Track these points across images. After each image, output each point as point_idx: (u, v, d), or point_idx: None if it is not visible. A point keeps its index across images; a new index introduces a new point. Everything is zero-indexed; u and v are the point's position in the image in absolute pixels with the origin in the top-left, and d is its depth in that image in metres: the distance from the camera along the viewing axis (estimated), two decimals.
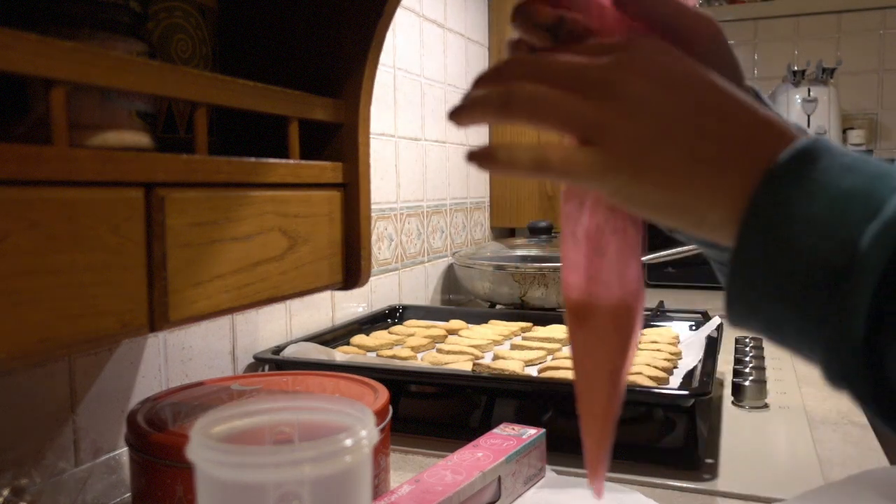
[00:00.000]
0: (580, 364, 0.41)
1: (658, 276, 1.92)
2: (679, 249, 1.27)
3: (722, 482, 0.72)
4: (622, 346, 0.40)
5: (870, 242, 0.28)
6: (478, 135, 1.74)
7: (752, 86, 0.46)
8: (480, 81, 0.38)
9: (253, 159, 0.53)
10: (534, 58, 0.37)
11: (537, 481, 0.71)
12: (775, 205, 0.31)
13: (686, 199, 0.33)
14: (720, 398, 0.97)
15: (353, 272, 0.65)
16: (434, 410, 0.93)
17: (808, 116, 2.27)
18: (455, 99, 1.63)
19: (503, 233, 1.90)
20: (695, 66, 0.35)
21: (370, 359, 0.98)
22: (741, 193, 0.32)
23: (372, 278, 1.22)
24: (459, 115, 0.38)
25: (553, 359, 0.96)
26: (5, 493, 0.53)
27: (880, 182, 0.30)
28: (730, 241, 0.32)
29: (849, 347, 0.29)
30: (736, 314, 0.33)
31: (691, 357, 0.95)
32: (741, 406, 0.94)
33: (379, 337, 1.09)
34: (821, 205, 0.30)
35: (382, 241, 1.31)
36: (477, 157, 0.37)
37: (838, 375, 0.30)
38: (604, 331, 0.39)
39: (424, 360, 0.97)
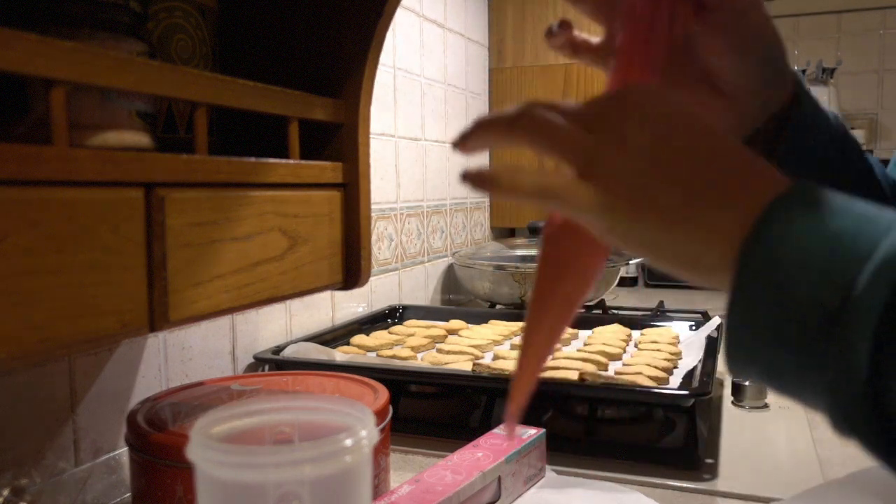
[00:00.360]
0: (541, 289, 0.41)
1: (658, 276, 1.92)
2: None
3: (722, 482, 0.72)
4: (583, 281, 0.40)
5: (866, 283, 0.28)
6: None
7: (793, 69, 0.47)
8: (488, 120, 0.39)
9: (253, 159, 0.53)
10: (543, 99, 0.38)
11: (537, 481, 0.71)
12: (767, 249, 0.31)
13: (681, 240, 0.34)
14: (720, 398, 0.97)
15: (353, 272, 0.65)
16: (434, 410, 0.93)
17: None
18: (455, 99, 1.63)
19: (503, 233, 1.90)
20: (692, 112, 0.36)
21: (370, 359, 0.98)
22: (733, 237, 0.32)
23: (372, 278, 1.22)
24: (465, 140, 0.39)
25: (553, 358, 0.96)
26: (5, 493, 0.53)
27: (870, 224, 0.30)
28: (725, 286, 0.33)
29: (851, 391, 0.28)
30: (735, 361, 0.33)
31: (691, 357, 0.95)
32: (741, 406, 0.94)
33: (379, 337, 1.09)
34: (813, 248, 0.30)
35: (382, 241, 1.31)
36: (477, 179, 0.37)
37: (843, 421, 0.29)
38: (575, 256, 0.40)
39: (424, 360, 0.97)
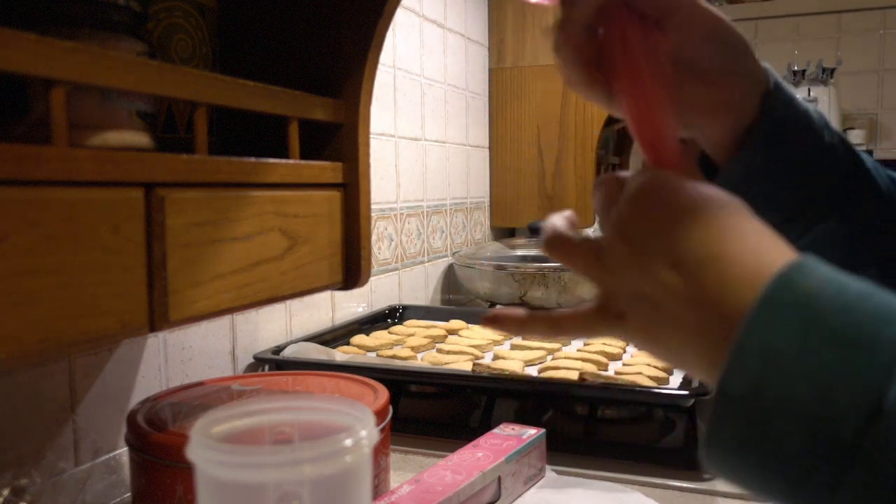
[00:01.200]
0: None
1: None
2: None
3: (722, 482, 0.72)
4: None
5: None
6: (477, 135, 1.74)
7: (766, 66, 0.47)
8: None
9: (253, 159, 0.53)
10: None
11: (537, 481, 0.71)
12: (756, 385, 0.28)
13: (687, 365, 0.35)
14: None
15: (353, 272, 0.65)
16: (434, 410, 0.93)
17: None
18: (455, 99, 1.63)
19: (503, 233, 1.90)
20: (673, 223, 0.35)
21: (370, 359, 0.98)
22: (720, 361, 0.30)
23: (372, 278, 1.22)
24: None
25: (553, 358, 0.96)
26: (5, 493, 0.53)
27: (887, 327, 0.27)
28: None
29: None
30: (715, 464, 0.31)
31: None
32: None
33: (379, 337, 1.09)
34: (815, 368, 0.27)
35: (382, 241, 1.31)
36: (494, 321, 0.42)
37: None
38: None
39: (424, 360, 0.97)
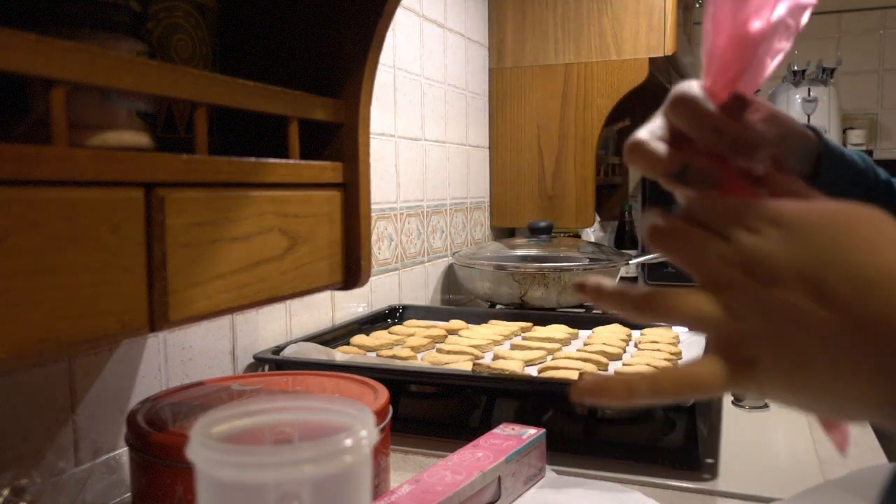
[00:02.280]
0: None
1: (658, 275, 1.92)
2: None
3: (722, 482, 0.72)
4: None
5: None
6: (477, 135, 1.74)
7: (813, 126, 0.50)
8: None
9: (253, 159, 0.53)
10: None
11: (537, 481, 0.71)
12: None
13: (846, 406, 0.32)
14: (720, 398, 0.97)
15: (353, 272, 0.65)
16: (434, 410, 0.93)
17: (808, 116, 2.27)
18: (455, 99, 1.63)
19: (503, 233, 1.90)
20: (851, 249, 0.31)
21: (370, 359, 0.98)
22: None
23: (372, 278, 1.22)
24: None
25: (553, 358, 0.96)
26: (5, 493, 0.53)
27: None
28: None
29: None
30: None
31: (691, 357, 0.95)
32: (741, 406, 0.94)
33: (379, 337, 1.09)
34: None
35: (382, 241, 1.31)
36: (588, 391, 0.36)
37: None
38: None
39: (424, 360, 0.97)
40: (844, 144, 2.48)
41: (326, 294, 1.14)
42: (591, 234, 1.91)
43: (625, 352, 1.01)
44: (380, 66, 0.80)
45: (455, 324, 1.18)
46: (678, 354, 0.98)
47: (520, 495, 0.68)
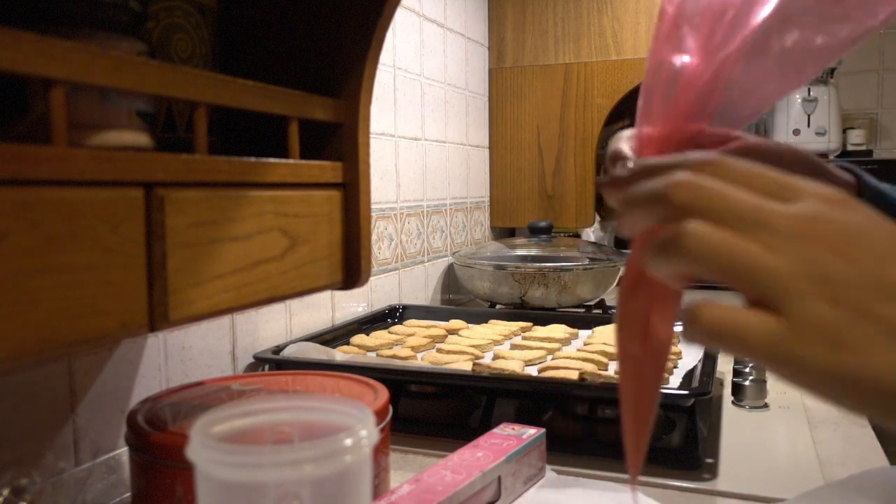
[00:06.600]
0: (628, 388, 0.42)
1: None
2: None
3: (722, 482, 0.72)
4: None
5: None
6: (477, 135, 1.74)
7: (849, 167, 0.49)
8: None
9: (253, 159, 0.53)
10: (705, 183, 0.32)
11: (537, 481, 0.71)
12: None
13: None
14: (720, 398, 0.97)
15: (352, 272, 0.65)
16: (434, 410, 0.93)
17: (809, 116, 2.26)
18: (455, 98, 1.63)
19: (503, 233, 1.90)
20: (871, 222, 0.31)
21: (370, 359, 0.98)
22: None
23: (372, 278, 1.22)
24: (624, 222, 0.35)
25: (553, 358, 0.96)
26: (5, 492, 0.53)
27: None
28: None
29: None
30: None
31: (691, 357, 0.95)
32: (741, 406, 0.94)
33: (379, 337, 1.09)
34: None
35: (382, 241, 1.31)
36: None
37: None
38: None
39: (424, 360, 0.97)
40: (845, 144, 2.48)
41: (326, 294, 1.14)
42: (591, 233, 1.91)
43: None
44: (380, 66, 0.80)
45: (455, 324, 1.18)
46: (678, 354, 0.98)
47: (520, 495, 0.68)
